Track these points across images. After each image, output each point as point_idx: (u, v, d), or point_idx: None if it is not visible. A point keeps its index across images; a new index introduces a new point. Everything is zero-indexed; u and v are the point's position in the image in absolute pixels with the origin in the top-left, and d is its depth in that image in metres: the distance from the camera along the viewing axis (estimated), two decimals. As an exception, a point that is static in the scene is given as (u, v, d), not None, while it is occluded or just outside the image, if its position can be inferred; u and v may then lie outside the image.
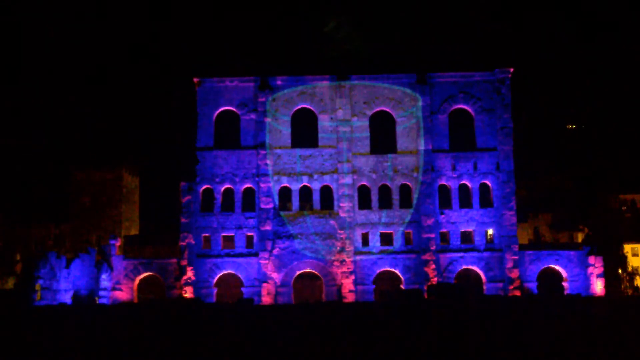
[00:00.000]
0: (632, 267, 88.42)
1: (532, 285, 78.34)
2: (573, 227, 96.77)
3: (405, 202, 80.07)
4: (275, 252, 78.62)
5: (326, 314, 67.75)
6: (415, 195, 79.68)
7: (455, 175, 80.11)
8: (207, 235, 79.67)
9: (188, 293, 77.17)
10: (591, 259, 78.62)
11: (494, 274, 78.20)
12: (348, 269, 77.98)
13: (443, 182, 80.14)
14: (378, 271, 78.77)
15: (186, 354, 63.33)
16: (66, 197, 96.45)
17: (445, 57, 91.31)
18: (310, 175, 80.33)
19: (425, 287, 75.47)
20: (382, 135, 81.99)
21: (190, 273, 77.83)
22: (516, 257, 77.94)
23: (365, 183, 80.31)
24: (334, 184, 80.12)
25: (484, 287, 77.79)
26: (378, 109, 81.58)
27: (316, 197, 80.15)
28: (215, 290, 78.64)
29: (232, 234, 79.75)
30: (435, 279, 77.21)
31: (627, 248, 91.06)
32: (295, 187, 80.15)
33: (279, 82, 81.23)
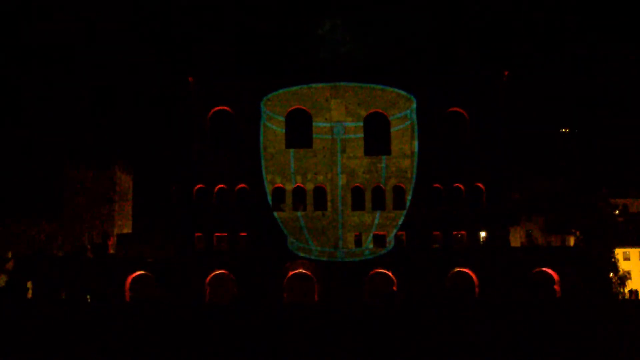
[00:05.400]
0: (624, 271, 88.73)
1: (524, 289, 78.46)
2: (565, 231, 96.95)
3: (399, 203, 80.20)
4: (268, 252, 78.56)
5: (319, 315, 67.88)
6: (409, 197, 79.83)
7: (448, 177, 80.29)
8: (200, 234, 79.59)
9: (180, 292, 77.00)
10: (583, 263, 78.90)
11: (486, 277, 78.30)
12: (341, 270, 78.02)
13: (437, 184, 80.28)
14: (371, 273, 78.84)
15: (178, 353, 63.29)
16: (59, 195, 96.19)
17: (439, 59, 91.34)
18: (304, 176, 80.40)
19: (419, 290, 75.69)
20: (376, 136, 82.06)
21: (182, 272, 77.67)
22: (508, 260, 78.15)
23: (358, 184, 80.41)
24: (328, 184, 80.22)
25: (477, 290, 77.99)
26: (372, 111, 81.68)
27: (310, 198, 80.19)
28: (208, 290, 78.52)
29: (226, 234, 79.73)
30: (429, 281, 77.29)
31: (619, 252, 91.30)
32: (289, 187, 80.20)
33: (273, 82, 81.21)
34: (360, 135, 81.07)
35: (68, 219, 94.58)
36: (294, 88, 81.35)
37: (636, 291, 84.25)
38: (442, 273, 78.03)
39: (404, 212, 79.59)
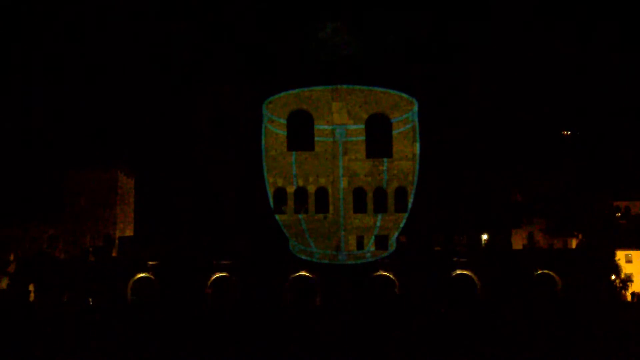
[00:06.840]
0: (625, 273, 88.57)
1: (526, 291, 78.36)
2: (567, 233, 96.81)
3: (401, 206, 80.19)
4: (270, 254, 78.57)
5: (321, 317, 67.88)
6: (410, 199, 79.80)
7: (450, 179, 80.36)
8: (201, 237, 79.62)
9: (182, 295, 76.98)
10: (585, 265, 78.80)
11: (488, 279, 78.22)
12: (343, 272, 77.98)
13: (438, 187, 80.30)
14: (373, 275, 78.77)
15: (179, 355, 63.29)
16: (61, 198, 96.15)
17: (441, 62, 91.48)
18: (306, 178, 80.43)
19: (420, 292, 75.64)
20: (378, 139, 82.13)
21: (185, 275, 77.67)
22: (511, 262, 78.10)
23: (360, 186, 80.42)
24: (329, 187, 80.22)
25: (478, 292, 77.89)
26: (374, 113, 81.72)
27: (311, 200, 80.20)
28: (209, 292, 78.51)
29: (227, 236, 79.74)
30: (430, 283, 77.24)
31: (621, 254, 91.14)
32: (290, 189, 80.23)
33: (275, 85, 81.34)
34: (362, 137, 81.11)
35: (69, 221, 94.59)
36: (296, 91, 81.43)
37: (639, 294, 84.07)
38: (443, 275, 77.96)
39: (406, 214, 79.59)
